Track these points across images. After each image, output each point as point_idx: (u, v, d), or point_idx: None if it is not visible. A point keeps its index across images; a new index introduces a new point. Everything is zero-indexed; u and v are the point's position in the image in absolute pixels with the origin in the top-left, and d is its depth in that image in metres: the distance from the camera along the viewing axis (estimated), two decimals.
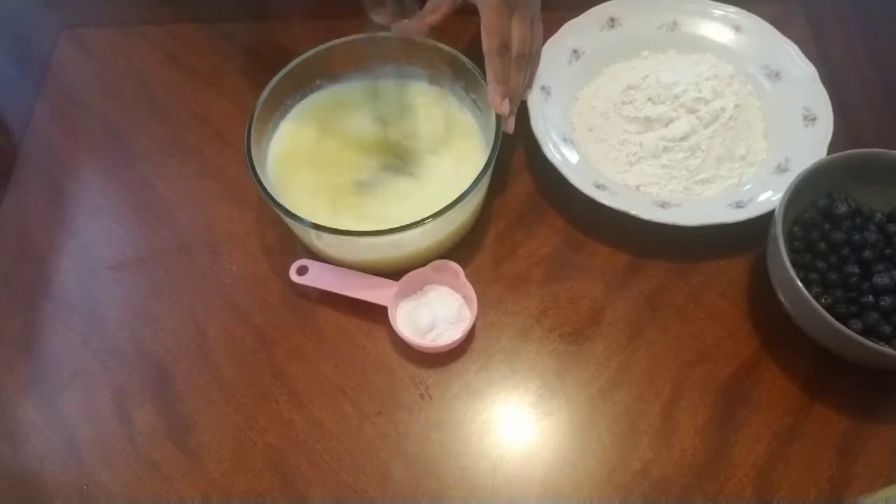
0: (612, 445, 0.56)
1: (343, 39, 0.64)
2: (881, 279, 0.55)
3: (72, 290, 0.64)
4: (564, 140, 0.65)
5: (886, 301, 0.54)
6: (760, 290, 0.61)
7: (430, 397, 0.58)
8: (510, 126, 0.61)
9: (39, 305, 0.63)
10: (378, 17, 0.59)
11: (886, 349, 0.52)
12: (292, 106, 0.65)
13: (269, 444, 0.57)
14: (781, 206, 0.55)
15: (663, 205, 0.62)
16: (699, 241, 0.62)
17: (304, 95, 0.66)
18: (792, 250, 0.59)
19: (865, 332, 0.54)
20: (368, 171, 0.64)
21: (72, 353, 0.61)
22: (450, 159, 0.64)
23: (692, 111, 0.64)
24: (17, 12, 0.81)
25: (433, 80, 0.67)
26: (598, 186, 0.62)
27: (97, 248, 0.66)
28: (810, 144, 0.64)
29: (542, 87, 0.67)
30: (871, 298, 0.55)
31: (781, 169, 0.64)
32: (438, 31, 0.64)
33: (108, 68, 0.76)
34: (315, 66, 0.64)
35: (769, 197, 0.62)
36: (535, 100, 0.66)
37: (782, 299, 0.56)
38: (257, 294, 0.63)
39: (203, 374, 0.59)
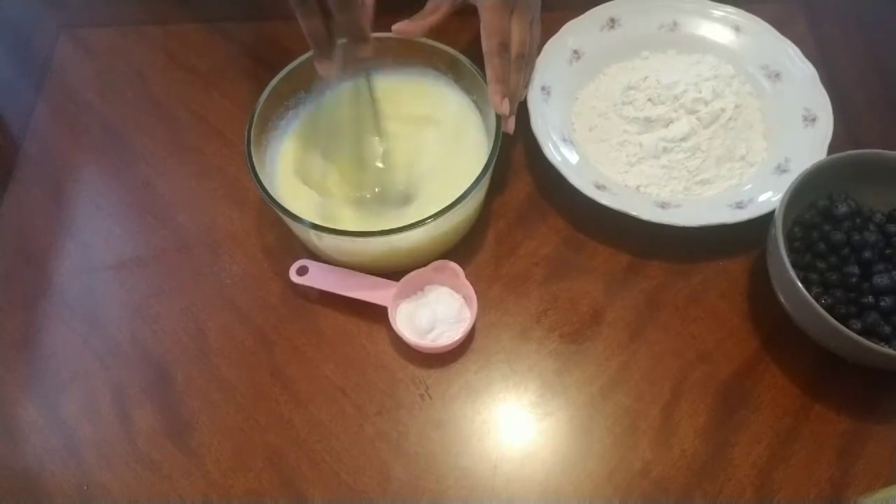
0: (612, 445, 0.56)
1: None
2: (881, 279, 0.55)
3: (72, 290, 0.64)
4: (564, 140, 0.65)
5: (886, 301, 0.54)
6: (760, 291, 0.61)
7: (430, 397, 0.58)
8: (510, 126, 0.61)
9: (39, 305, 0.63)
10: (327, 70, 0.58)
11: (886, 349, 0.52)
12: (293, 106, 0.65)
13: (269, 444, 0.57)
14: (781, 206, 0.55)
15: (663, 205, 0.62)
16: (699, 242, 0.62)
17: (305, 95, 0.66)
18: (792, 251, 0.59)
19: (865, 333, 0.54)
20: (368, 171, 0.64)
21: (72, 353, 0.61)
22: (449, 159, 0.64)
23: (692, 112, 0.64)
24: (17, 12, 0.81)
25: (433, 81, 0.66)
26: (598, 187, 0.62)
27: (97, 248, 0.66)
28: (810, 145, 0.64)
29: (542, 88, 0.67)
30: (870, 299, 0.55)
31: (781, 169, 0.64)
32: (438, 31, 0.64)
33: (108, 68, 0.76)
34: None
35: (769, 197, 0.62)
36: (535, 100, 0.66)
37: (782, 299, 0.56)
38: (257, 294, 0.63)
39: (203, 374, 0.59)
